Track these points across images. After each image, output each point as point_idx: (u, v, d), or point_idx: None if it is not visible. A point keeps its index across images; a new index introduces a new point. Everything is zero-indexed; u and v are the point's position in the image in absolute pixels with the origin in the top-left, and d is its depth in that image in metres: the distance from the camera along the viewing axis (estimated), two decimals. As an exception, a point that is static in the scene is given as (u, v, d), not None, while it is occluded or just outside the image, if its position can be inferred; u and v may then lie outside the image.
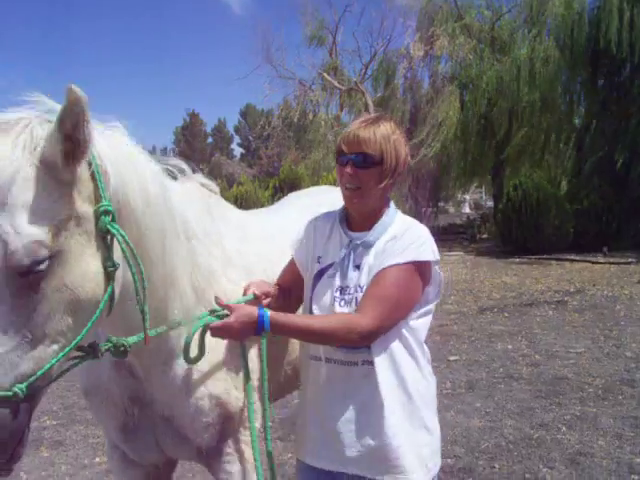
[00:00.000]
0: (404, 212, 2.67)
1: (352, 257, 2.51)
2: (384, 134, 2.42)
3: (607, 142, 22.37)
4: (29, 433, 1.88)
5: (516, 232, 20.25)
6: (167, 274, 2.24)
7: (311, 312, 2.55)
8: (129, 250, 1.93)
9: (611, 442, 5.61)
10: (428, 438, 2.62)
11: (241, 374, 2.54)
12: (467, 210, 41.67)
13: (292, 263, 2.74)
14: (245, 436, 2.60)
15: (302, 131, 27.84)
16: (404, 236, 2.47)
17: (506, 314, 11.41)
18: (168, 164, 2.62)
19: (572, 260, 18.45)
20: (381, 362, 2.44)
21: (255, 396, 2.54)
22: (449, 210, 45.74)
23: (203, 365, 2.47)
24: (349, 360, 2.47)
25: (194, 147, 65.66)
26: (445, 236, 26.50)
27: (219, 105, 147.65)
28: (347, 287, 2.49)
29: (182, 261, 2.35)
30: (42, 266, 1.69)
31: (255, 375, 2.57)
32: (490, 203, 34.90)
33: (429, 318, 2.63)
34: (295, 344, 2.90)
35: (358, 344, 2.41)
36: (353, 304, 2.45)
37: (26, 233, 1.66)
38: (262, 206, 12.59)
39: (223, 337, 2.38)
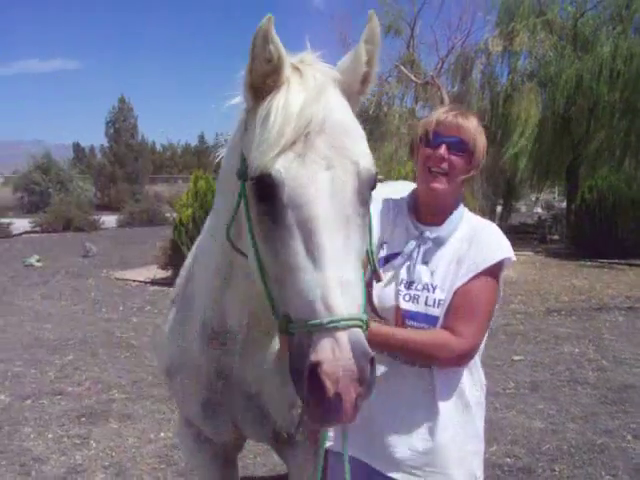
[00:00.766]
0: (475, 209, 2.65)
1: (421, 251, 2.47)
2: (476, 125, 2.43)
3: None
4: None
5: (589, 234, 19.76)
6: None
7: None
8: None
9: (678, 454, 5.48)
10: (479, 447, 2.59)
11: None
12: (539, 210, 40.82)
13: None
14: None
15: (375, 123, 27.65)
16: (481, 239, 2.45)
17: (574, 317, 11.18)
18: None
19: (646, 266, 17.89)
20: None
21: None
22: (521, 209, 44.92)
23: None
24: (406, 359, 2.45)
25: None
26: (515, 235, 25.96)
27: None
28: (413, 282, 2.45)
29: None
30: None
31: None
32: (563, 204, 34.10)
33: None
34: None
35: (453, 366, 2.42)
36: (421, 303, 2.41)
37: (370, 156, 1.81)
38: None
39: None
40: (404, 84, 28.82)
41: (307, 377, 1.56)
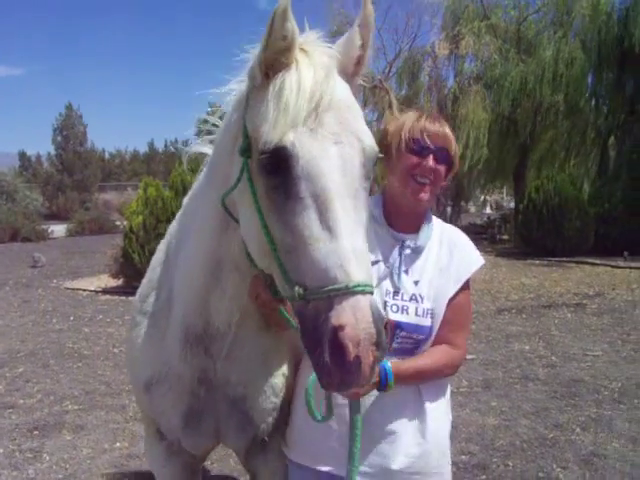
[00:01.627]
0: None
1: (403, 260, 2.46)
2: (451, 132, 2.45)
3: (632, 145, 22.16)
4: None
5: (536, 234, 20.19)
6: None
7: None
8: None
9: (625, 445, 5.65)
10: (449, 443, 2.63)
11: None
12: (488, 210, 41.51)
13: None
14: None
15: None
16: (461, 248, 2.52)
17: (524, 315, 11.42)
18: None
19: (592, 263, 18.38)
20: None
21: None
22: (470, 210, 45.59)
23: (279, 344, 2.51)
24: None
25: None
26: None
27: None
28: (398, 292, 2.42)
29: None
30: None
31: None
32: (511, 204, 34.73)
33: None
34: None
35: (453, 374, 2.53)
36: (412, 313, 2.39)
37: (371, 134, 1.88)
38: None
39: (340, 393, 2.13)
40: (352, 88, 29.01)
41: (329, 341, 1.57)
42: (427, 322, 2.41)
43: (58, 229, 31.16)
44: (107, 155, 70.15)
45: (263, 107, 1.79)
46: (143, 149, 75.90)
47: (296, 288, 1.68)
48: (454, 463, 5.24)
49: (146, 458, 3.21)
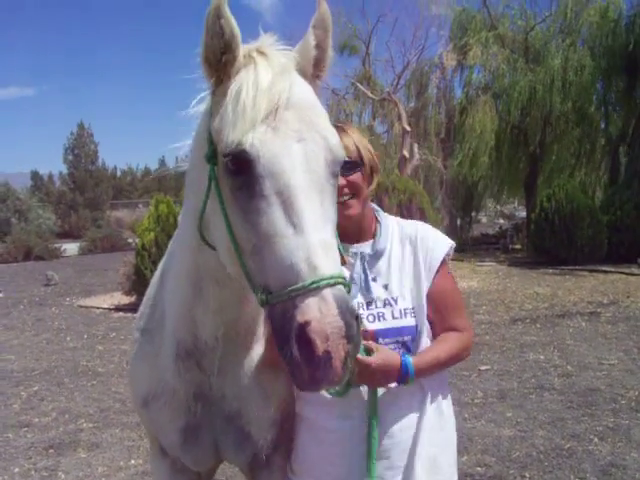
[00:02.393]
0: (438, 223, 2.69)
1: (367, 269, 2.45)
2: (355, 138, 2.43)
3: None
4: None
5: (549, 243, 20.09)
6: None
7: None
8: None
9: (644, 454, 5.58)
10: (454, 456, 2.61)
11: None
12: (500, 220, 41.39)
13: None
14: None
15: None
16: (424, 240, 2.50)
17: (538, 325, 11.34)
18: None
19: (606, 271, 18.24)
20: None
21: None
22: (482, 220, 45.47)
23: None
24: None
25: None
26: (477, 246, 26.39)
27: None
28: (371, 302, 2.42)
29: None
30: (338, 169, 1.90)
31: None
32: (523, 213, 34.62)
33: None
34: None
35: (467, 357, 2.57)
36: (389, 318, 2.39)
37: (336, 133, 1.89)
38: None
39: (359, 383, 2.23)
40: (361, 101, 29.17)
41: (296, 337, 1.56)
42: (410, 322, 2.42)
43: (71, 247, 31.30)
44: (118, 172, 70.50)
45: (222, 110, 1.81)
46: (154, 166, 76.24)
47: (259, 294, 1.69)
48: (470, 475, 5.24)
49: (151, 476, 3.21)
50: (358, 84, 27.78)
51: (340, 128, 2.36)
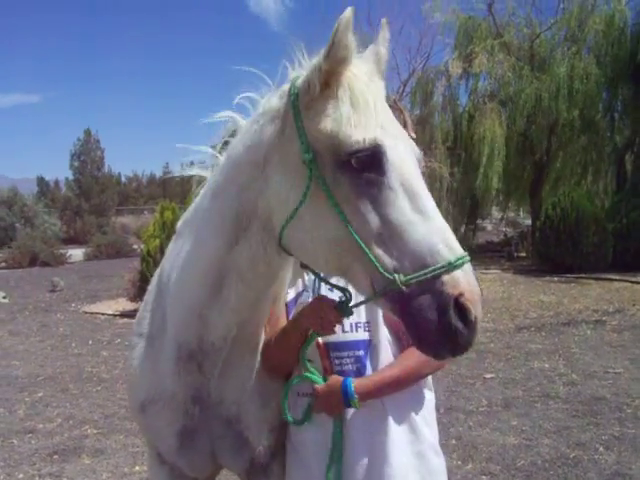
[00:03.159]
0: None
1: (316, 280, 2.35)
2: None
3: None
4: None
5: (554, 251, 20.04)
6: None
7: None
8: None
9: (649, 463, 5.56)
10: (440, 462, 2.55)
11: None
12: (505, 228, 41.33)
13: None
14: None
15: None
16: None
17: (543, 333, 11.32)
18: None
19: (611, 279, 18.20)
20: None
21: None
22: (487, 228, 45.42)
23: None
24: None
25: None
26: (482, 254, 26.34)
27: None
28: None
29: None
30: None
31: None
32: (528, 221, 34.58)
33: None
34: None
35: (432, 373, 2.49)
36: (338, 331, 2.28)
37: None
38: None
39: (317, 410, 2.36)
40: (367, 108, 29.09)
41: (453, 307, 1.72)
42: (362, 336, 2.39)
43: (76, 253, 31.37)
44: (124, 179, 70.76)
45: (337, 113, 1.86)
46: (159, 172, 76.47)
47: (396, 275, 1.77)
48: (475, 484, 5.21)
49: None
50: (364, 91, 27.78)
51: None
